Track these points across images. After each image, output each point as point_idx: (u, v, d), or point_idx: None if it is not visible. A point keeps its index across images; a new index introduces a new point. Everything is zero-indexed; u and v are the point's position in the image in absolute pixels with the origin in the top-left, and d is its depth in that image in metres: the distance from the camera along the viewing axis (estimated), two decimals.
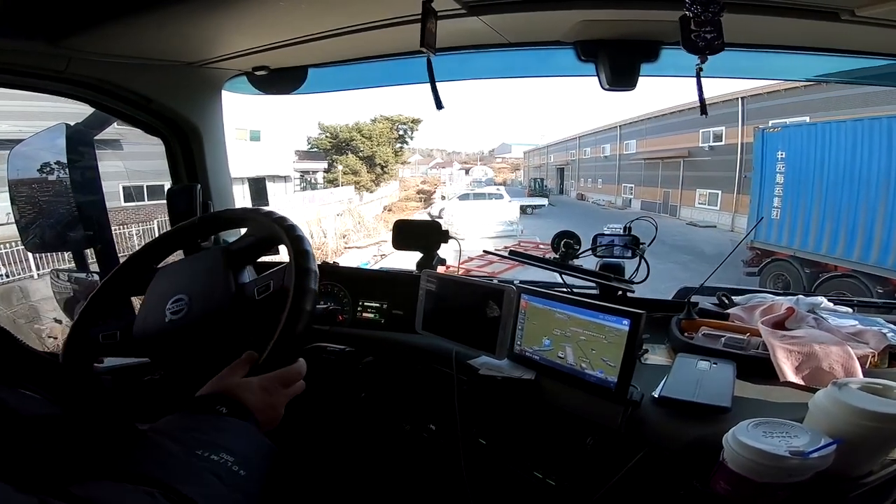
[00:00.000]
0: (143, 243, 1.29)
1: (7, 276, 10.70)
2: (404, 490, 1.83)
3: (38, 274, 10.82)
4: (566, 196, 46.09)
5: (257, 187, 2.15)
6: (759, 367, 1.34)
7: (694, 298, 1.73)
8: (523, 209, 28.48)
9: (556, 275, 1.90)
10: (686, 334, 1.58)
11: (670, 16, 1.26)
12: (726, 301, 1.77)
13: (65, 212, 1.88)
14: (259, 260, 1.22)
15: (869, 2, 1.22)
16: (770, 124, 13.73)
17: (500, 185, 44.83)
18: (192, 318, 1.08)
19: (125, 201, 16.26)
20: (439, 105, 1.48)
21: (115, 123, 2.05)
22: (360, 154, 36.55)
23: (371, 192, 36.17)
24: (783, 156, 10.57)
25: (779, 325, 1.51)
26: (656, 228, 1.96)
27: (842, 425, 0.95)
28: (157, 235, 1.31)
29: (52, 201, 1.90)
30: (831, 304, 1.67)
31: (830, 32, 1.48)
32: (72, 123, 1.91)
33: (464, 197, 28.00)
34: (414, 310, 1.74)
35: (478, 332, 1.56)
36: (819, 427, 0.98)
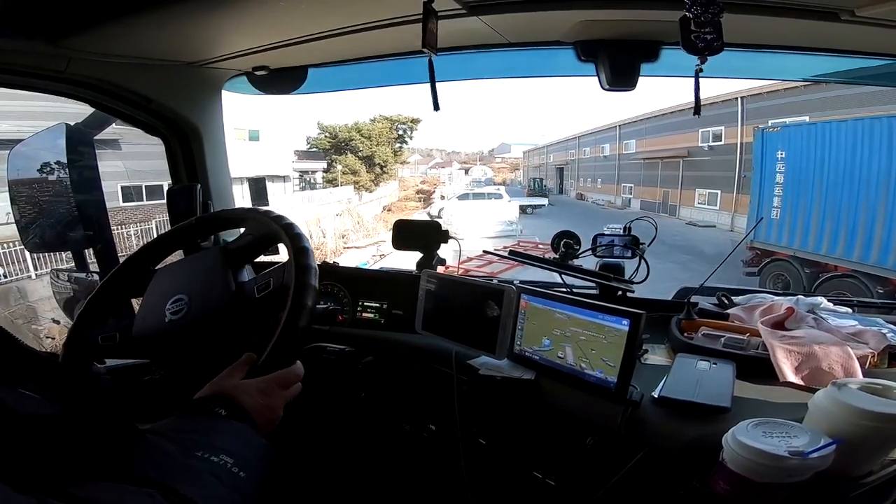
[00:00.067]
0: (141, 243, 1.29)
1: (5, 277, 10.67)
2: (404, 490, 1.83)
3: (35, 274, 10.80)
4: (565, 196, 46.08)
5: (257, 187, 2.15)
6: (758, 368, 1.34)
7: (694, 298, 1.73)
8: (523, 209, 28.49)
9: (556, 275, 1.90)
10: (686, 334, 1.58)
11: (670, 16, 1.26)
12: (726, 301, 1.77)
13: (65, 212, 1.87)
14: (257, 260, 1.22)
15: (869, 2, 1.23)
16: (770, 124, 13.72)
17: (499, 185, 44.81)
18: (192, 317, 1.08)
19: (124, 201, 16.26)
20: (436, 106, 1.48)
21: (114, 123, 2.05)
22: (360, 154, 36.57)
23: (370, 191, 36.17)
24: (783, 155, 10.55)
25: (778, 325, 1.51)
26: (656, 228, 1.96)
27: (841, 425, 0.95)
28: (155, 236, 1.31)
29: (52, 201, 1.90)
30: (831, 305, 1.67)
31: (830, 33, 1.48)
32: (72, 123, 1.91)
33: (463, 197, 27.99)
34: (414, 310, 1.74)
35: (478, 332, 1.56)
36: (819, 427, 0.98)
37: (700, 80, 1.37)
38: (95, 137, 2.00)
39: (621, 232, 1.95)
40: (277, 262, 1.13)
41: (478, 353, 1.57)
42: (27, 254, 10.56)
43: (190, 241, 1.32)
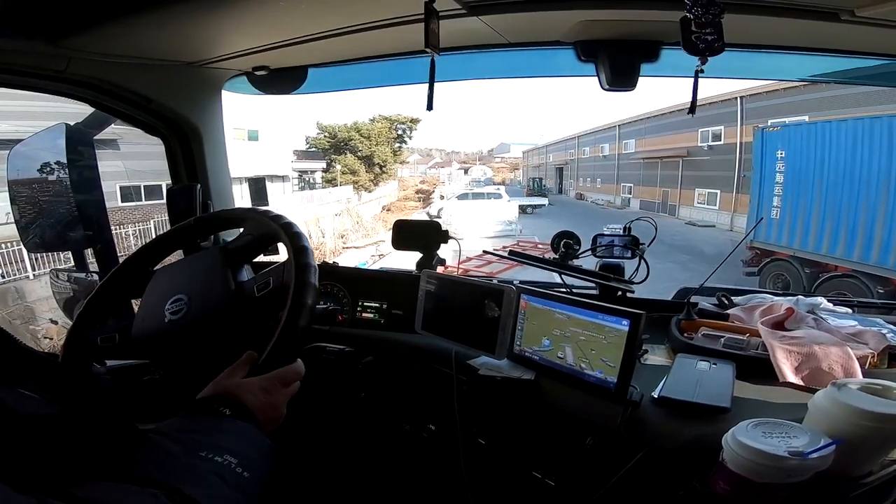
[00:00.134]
0: (139, 243, 1.29)
1: (3, 277, 10.65)
2: (404, 490, 1.83)
3: (33, 275, 10.77)
4: (565, 195, 46.11)
5: (257, 187, 2.15)
6: (758, 368, 1.35)
7: (693, 299, 1.73)
8: (523, 209, 28.53)
9: (556, 275, 1.90)
10: (686, 335, 1.58)
11: (670, 16, 1.26)
12: (726, 301, 1.77)
13: (65, 212, 1.87)
14: (256, 260, 1.22)
15: (869, 2, 1.23)
16: (769, 123, 13.71)
17: (499, 184, 44.80)
18: (192, 317, 1.07)
19: (122, 201, 16.24)
20: (430, 106, 1.48)
21: (113, 123, 2.05)
22: (359, 154, 36.56)
23: (370, 191, 36.16)
24: (783, 155, 10.54)
25: (778, 325, 1.51)
26: (656, 229, 1.96)
27: (841, 426, 0.95)
28: (153, 236, 1.31)
29: (52, 201, 1.90)
30: (831, 305, 1.67)
31: (829, 33, 1.48)
32: (72, 123, 1.91)
33: (462, 196, 28.01)
34: (413, 310, 1.74)
35: (477, 332, 1.56)
36: (818, 427, 0.98)
37: (699, 80, 1.38)
38: (94, 137, 2.00)
39: (621, 232, 1.95)
40: (277, 262, 1.13)
41: (477, 353, 1.57)
42: (25, 254, 10.52)
43: (189, 242, 1.32)
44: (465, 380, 1.55)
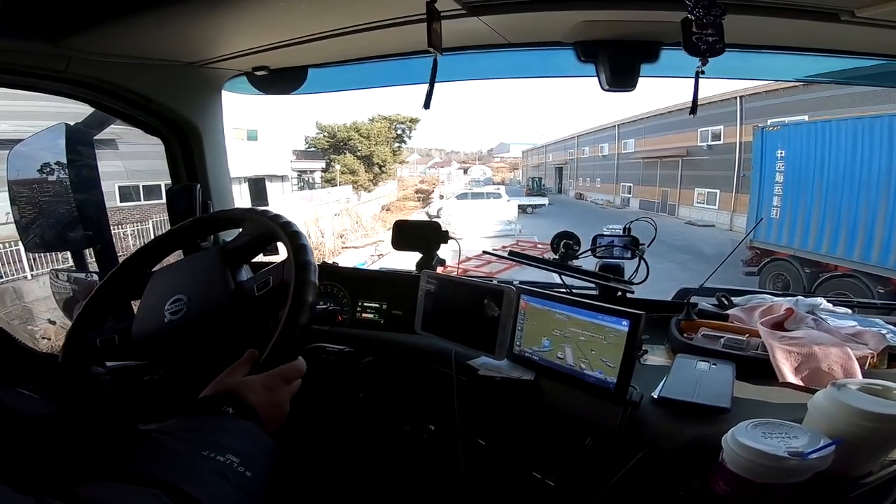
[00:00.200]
0: (138, 243, 1.29)
1: (1, 277, 10.62)
2: (404, 490, 1.83)
3: (31, 275, 10.73)
4: (564, 195, 46.08)
5: (257, 187, 2.14)
6: (758, 368, 1.35)
7: (693, 299, 1.73)
8: (523, 208, 28.55)
9: (556, 275, 1.90)
10: (685, 335, 1.59)
11: (671, 16, 1.26)
12: (726, 302, 1.77)
13: (64, 212, 1.87)
14: (256, 260, 1.22)
15: (868, 3, 1.23)
16: (769, 123, 13.70)
17: (498, 184, 44.77)
18: (192, 317, 1.07)
19: (121, 201, 16.21)
20: (427, 105, 1.48)
21: (113, 123, 2.05)
22: (358, 153, 36.54)
23: (369, 191, 36.15)
24: (783, 154, 10.53)
25: (778, 325, 1.51)
26: (655, 229, 1.96)
27: (841, 426, 0.96)
28: (152, 235, 1.31)
29: (52, 201, 1.90)
30: (830, 305, 1.67)
31: (829, 33, 1.48)
32: (72, 123, 1.91)
33: (462, 196, 27.99)
34: (413, 310, 1.74)
35: (477, 332, 1.56)
36: (818, 428, 0.98)
37: (700, 80, 1.38)
38: (94, 137, 2.00)
39: (621, 232, 1.95)
40: (276, 262, 1.13)
41: (477, 353, 1.57)
42: (23, 254, 10.49)
43: (188, 243, 1.32)
44: (465, 380, 1.55)
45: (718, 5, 1.14)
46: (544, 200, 33.62)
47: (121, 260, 1.28)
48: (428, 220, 2.21)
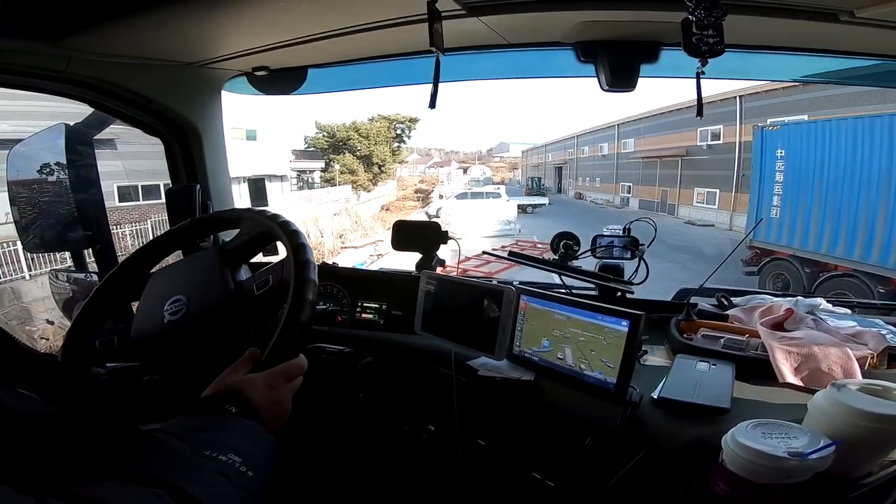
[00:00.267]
0: (137, 243, 1.29)
1: None
2: (403, 491, 1.83)
3: (29, 275, 10.71)
4: (564, 195, 46.07)
5: (256, 188, 2.14)
6: (758, 369, 1.35)
7: (693, 299, 1.73)
8: (523, 208, 28.56)
9: (555, 275, 1.90)
10: (685, 335, 1.59)
11: (671, 17, 1.27)
12: (725, 302, 1.77)
13: (64, 212, 1.87)
14: (254, 261, 1.22)
15: (868, 3, 1.23)
16: (769, 122, 13.69)
17: (498, 184, 44.76)
18: (191, 317, 1.07)
19: (120, 201, 16.19)
20: (433, 104, 1.48)
21: (112, 123, 2.05)
22: (358, 153, 36.50)
23: (368, 191, 36.13)
24: (783, 154, 10.51)
25: (778, 326, 1.51)
26: (655, 230, 1.96)
27: (841, 426, 0.96)
28: (151, 235, 1.31)
29: (52, 201, 1.90)
30: (830, 306, 1.67)
31: (829, 33, 1.48)
32: (72, 123, 1.91)
33: (461, 196, 27.98)
34: (413, 310, 1.74)
35: (477, 332, 1.56)
36: (818, 428, 0.98)
37: (701, 80, 1.38)
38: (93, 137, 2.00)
39: (621, 233, 1.95)
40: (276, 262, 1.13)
41: (477, 353, 1.57)
42: (21, 254, 10.48)
43: (186, 243, 1.32)
44: (465, 380, 1.55)
45: (720, 6, 1.14)
46: (544, 200, 33.63)
47: (120, 260, 1.29)
48: (428, 220, 2.22)
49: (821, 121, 10.45)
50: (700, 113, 1.52)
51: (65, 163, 1.85)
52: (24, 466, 0.68)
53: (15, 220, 1.90)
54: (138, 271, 1.26)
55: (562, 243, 1.96)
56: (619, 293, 1.82)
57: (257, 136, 25.53)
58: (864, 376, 1.25)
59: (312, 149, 37.28)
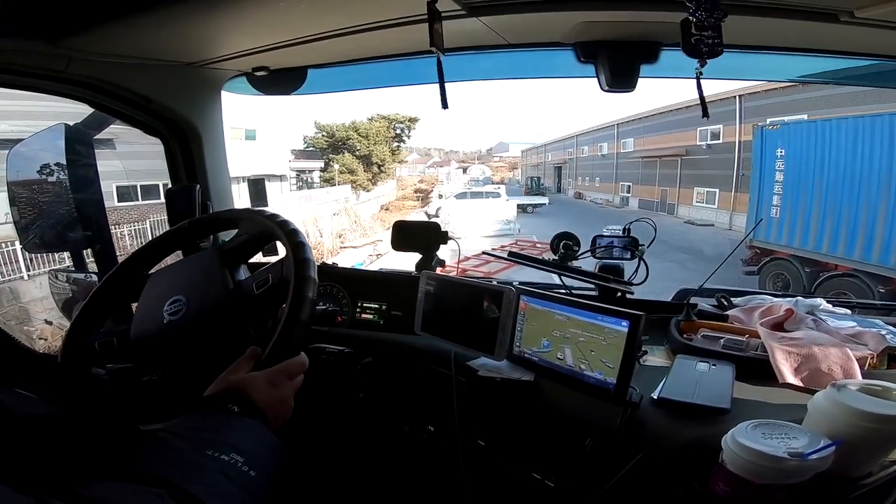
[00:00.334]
0: (135, 243, 1.29)
1: None
2: (403, 491, 1.83)
3: (28, 275, 10.70)
4: (563, 194, 46.07)
5: (256, 189, 2.14)
6: (758, 369, 1.35)
7: (693, 300, 1.73)
8: (523, 208, 28.56)
9: (555, 275, 1.90)
10: (685, 336, 1.59)
11: (671, 17, 1.27)
12: (725, 303, 1.77)
13: (64, 212, 1.87)
14: (253, 261, 1.22)
15: (868, 3, 1.23)
16: (769, 122, 13.69)
17: (498, 184, 44.74)
18: (191, 317, 1.07)
19: (119, 201, 16.20)
20: (445, 105, 1.48)
21: (112, 124, 2.05)
22: (357, 153, 36.51)
23: (368, 191, 36.14)
24: (783, 153, 10.51)
25: (778, 326, 1.51)
26: (655, 230, 1.96)
27: (841, 427, 0.96)
28: (149, 235, 1.31)
29: (52, 201, 1.90)
30: (830, 306, 1.67)
31: (829, 34, 1.48)
32: (71, 123, 1.91)
33: (461, 196, 27.99)
34: (413, 311, 1.74)
35: (477, 333, 1.56)
36: (818, 428, 0.98)
37: (701, 80, 1.38)
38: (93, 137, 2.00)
39: (620, 233, 1.95)
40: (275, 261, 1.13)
41: (477, 354, 1.57)
42: (19, 254, 10.48)
43: (184, 244, 1.32)
44: (465, 381, 1.55)
45: (721, 8, 1.14)
46: (544, 200, 33.63)
47: (119, 261, 1.28)
48: (428, 220, 2.22)
49: (821, 120, 10.45)
50: (706, 113, 1.52)
51: (65, 163, 1.85)
52: (24, 466, 0.68)
53: (15, 221, 1.90)
54: (136, 272, 1.26)
55: (561, 244, 1.96)
56: (618, 293, 1.82)
57: (256, 136, 25.51)
58: (864, 377, 1.25)
59: (312, 148, 37.30)
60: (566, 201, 40.37)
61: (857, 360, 1.28)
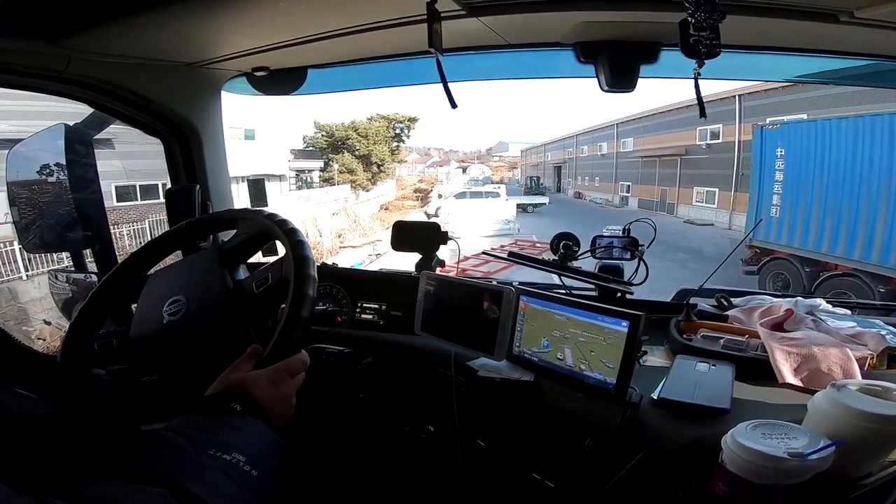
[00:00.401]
0: (134, 243, 1.29)
1: None
2: (403, 491, 1.83)
3: (26, 275, 10.69)
4: (563, 194, 46.08)
5: (256, 189, 2.14)
6: (757, 369, 1.35)
7: (692, 300, 1.73)
8: (523, 207, 28.55)
9: (555, 275, 1.90)
10: (685, 336, 1.59)
11: (670, 17, 1.26)
12: (725, 303, 1.77)
13: (63, 212, 1.87)
14: (252, 261, 1.22)
15: (867, 3, 1.23)
16: (768, 121, 13.69)
17: (498, 183, 44.75)
18: (191, 317, 1.07)
19: (118, 201, 16.19)
20: (453, 104, 1.48)
21: (112, 124, 2.05)
22: (357, 153, 36.50)
23: (367, 190, 36.13)
24: (782, 153, 10.51)
25: (777, 326, 1.51)
26: (655, 230, 1.96)
27: (841, 427, 0.96)
28: (149, 236, 1.31)
29: (51, 202, 1.90)
30: (830, 306, 1.67)
31: (828, 34, 1.48)
32: (71, 123, 1.91)
33: (461, 196, 27.98)
34: (413, 311, 1.74)
35: (477, 333, 1.56)
36: (818, 429, 0.98)
37: (700, 80, 1.38)
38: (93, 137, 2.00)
39: (620, 233, 1.95)
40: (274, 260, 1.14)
41: (477, 354, 1.57)
42: (18, 254, 10.48)
43: (183, 245, 1.32)
44: (465, 381, 1.55)
45: (720, 9, 1.14)
46: (544, 199, 33.63)
47: (119, 261, 1.28)
48: (427, 220, 2.22)
49: (821, 120, 10.44)
50: (703, 114, 1.52)
51: (64, 163, 1.85)
52: (25, 466, 0.68)
53: (14, 221, 1.90)
54: (136, 273, 1.26)
55: (561, 244, 1.96)
56: (618, 294, 1.82)
57: (256, 136, 25.50)
58: (863, 377, 1.25)
59: (311, 148, 37.28)
60: (566, 201, 40.37)
61: (856, 360, 1.28)
